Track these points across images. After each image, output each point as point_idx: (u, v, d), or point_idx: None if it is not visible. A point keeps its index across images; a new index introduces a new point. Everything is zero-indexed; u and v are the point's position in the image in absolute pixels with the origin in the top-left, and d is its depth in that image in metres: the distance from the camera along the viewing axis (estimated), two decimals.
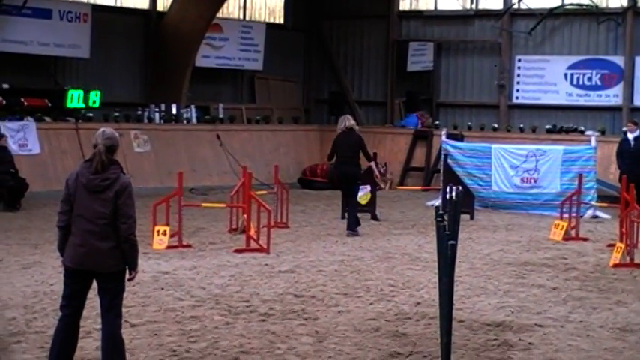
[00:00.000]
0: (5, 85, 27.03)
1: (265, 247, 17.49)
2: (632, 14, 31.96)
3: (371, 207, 23.12)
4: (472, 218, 23.00)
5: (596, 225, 22.55)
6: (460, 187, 22.97)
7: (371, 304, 13.31)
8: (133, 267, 9.05)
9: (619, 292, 14.57)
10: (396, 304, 13.31)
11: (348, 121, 20.76)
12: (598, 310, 13.18)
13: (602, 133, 29.34)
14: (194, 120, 31.07)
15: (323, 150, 33.12)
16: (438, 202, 23.19)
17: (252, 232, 18.01)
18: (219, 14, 31.95)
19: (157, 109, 30.21)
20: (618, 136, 27.16)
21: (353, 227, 20.14)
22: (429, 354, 10.25)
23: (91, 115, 28.03)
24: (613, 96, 32.35)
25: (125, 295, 9.20)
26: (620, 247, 17.13)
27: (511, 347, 11.05)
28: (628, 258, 16.95)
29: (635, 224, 17.99)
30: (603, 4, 32.67)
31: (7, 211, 22.86)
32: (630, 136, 25.52)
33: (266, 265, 16.19)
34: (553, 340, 11.46)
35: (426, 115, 33.79)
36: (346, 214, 21.28)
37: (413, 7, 35.83)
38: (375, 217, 22.88)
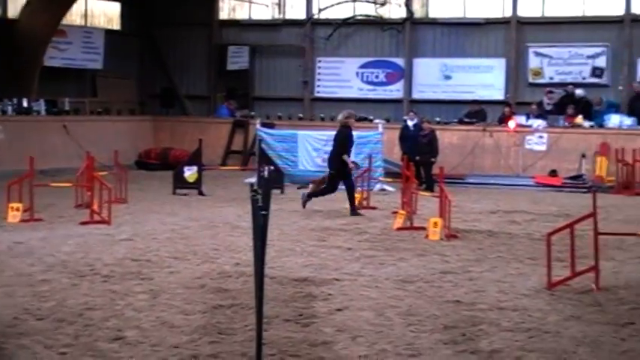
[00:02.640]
0: None
1: (107, 219, 17.24)
2: (410, 24, 32.67)
3: (197, 184, 23.03)
4: (282, 192, 23.07)
5: (383, 196, 22.96)
6: (272, 167, 23.31)
7: (198, 265, 13.30)
8: None
9: (401, 250, 14.87)
10: (219, 265, 13.32)
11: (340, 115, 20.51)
12: (384, 266, 13.44)
13: (388, 121, 29.80)
14: (43, 112, 30.31)
15: (156, 136, 32.97)
16: (253, 180, 23.21)
17: (95, 207, 17.72)
18: (64, 21, 31.22)
19: (9, 103, 29.34)
20: (400, 124, 27.71)
21: (307, 198, 19.84)
22: (246, 305, 10.27)
23: None
24: (396, 91, 33.04)
25: None
26: (402, 214, 17.54)
27: (314, 298, 11.17)
28: (408, 223, 17.32)
29: (414, 195, 18.44)
30: (387, 15, 33.27)
31: None
32: (410, 123, 26.16)
33: (108, 234, 15.94)
34: (348, 291, 11.62)
35: (233, 103, 33.73)
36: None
37: (231, 16, 35.80)
38: (201, 193, 22.77)
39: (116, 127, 31.62)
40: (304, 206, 19.71)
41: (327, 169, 20.14)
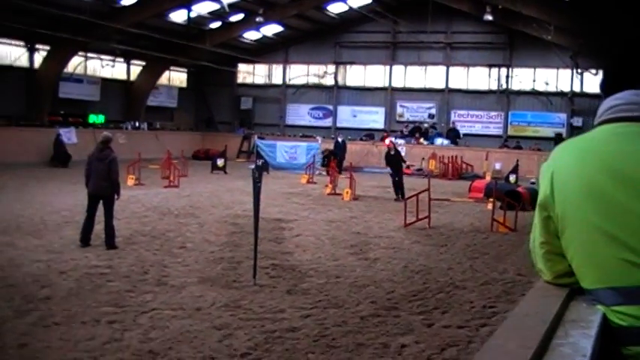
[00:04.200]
0: None
1: (177, 185, 17.00)
2: (336, 87, 32.61)
3: (224, 168, 22.87)
4: (268, 173, 22.88)
5: (320, 177, 23.01)
6: (263, 160, 23.22)
7: (223, 210, 13.35)
8: (118, 193, 8.92)
9: (330, 205, 14.99)
10: (234, 210, 13.39)
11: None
12: (321, 213, 13.57)
13: (323, 137, 29.73)
14: (145, 129, 29.50)
15: (203, 143, 31.91)
16: (253, 166, 22.98)
17: (171, 178, 17.56)
18: (158, 82, 30.82)
19: (129, 124, 28.76)
20: (332, 140, 27.79)
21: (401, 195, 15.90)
22: (248, 232, 10.19)
23: None
24: (328, 122, 33.05)
25: None
26: (329, 186, 17.67)
27: (283, 229, 11.38)
28: (333, 191, 17.41)
29: (336, 177, 18.57)
30: (324, 82, 33.05)
31: (63, 167, 21.70)
32: (340, 139, 26.04)
33: (177, 193, 15.66)
34: (301, 225, 11.79)
35: (246, 129, 33.29)
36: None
37: (243, 81, 35.11)
38: (225, 172, 22.61)
39: (184, 137, 31.28)
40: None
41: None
